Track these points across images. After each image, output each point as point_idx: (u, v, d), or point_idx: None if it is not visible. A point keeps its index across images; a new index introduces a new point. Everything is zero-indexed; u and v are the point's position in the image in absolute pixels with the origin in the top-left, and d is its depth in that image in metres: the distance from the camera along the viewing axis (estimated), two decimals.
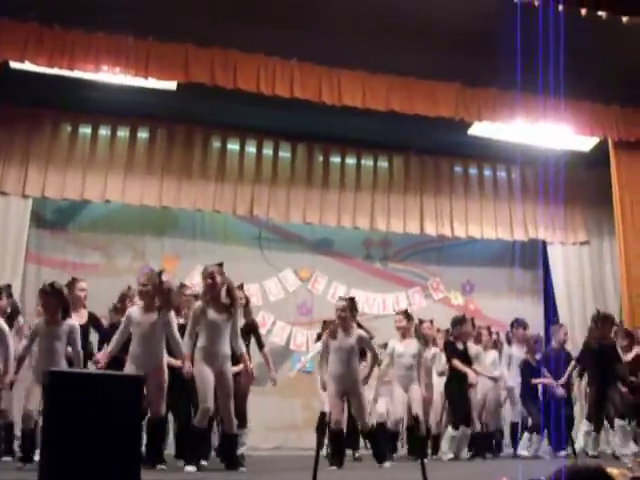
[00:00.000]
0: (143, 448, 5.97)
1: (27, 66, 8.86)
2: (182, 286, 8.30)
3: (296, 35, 8.80)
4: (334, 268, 12.18)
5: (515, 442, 9.59)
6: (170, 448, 7.88)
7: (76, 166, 10.61)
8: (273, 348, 11.47)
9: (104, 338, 7.57)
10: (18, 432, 7.16)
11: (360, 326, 7.63)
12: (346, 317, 7.25)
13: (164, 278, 6.78)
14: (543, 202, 11.95)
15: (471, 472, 7.13)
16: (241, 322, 7.12)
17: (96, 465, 4.30)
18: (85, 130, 10.82)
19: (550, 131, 10.50)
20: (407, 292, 12.46)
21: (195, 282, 11.34)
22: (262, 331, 11.20)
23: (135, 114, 10.76)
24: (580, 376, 9.84)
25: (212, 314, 6.48)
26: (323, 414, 8.25)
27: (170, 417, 7.55)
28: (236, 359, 6.79)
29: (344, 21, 8.70)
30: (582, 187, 12.29)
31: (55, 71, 8.94)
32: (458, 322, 8.97)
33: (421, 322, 9.25)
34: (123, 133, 10.93)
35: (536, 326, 12.34)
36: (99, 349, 7.58)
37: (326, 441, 7.97)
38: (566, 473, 2.03)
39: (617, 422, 8.65)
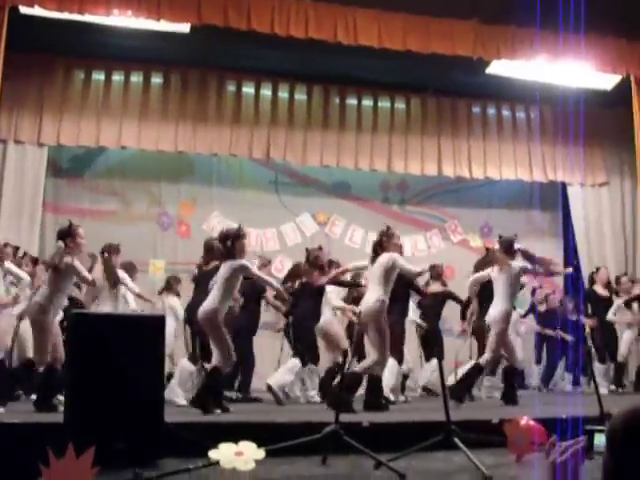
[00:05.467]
0: None
1: (37, 11, 8.73)
2: None
3: None
4: (351, 211, 12.14)
5: None
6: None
7: (90, 113, 10.56)
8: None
9: None
10: None
11: None
12: None
13: None
14: (562, 143, 11.78)
15: None
16: None
17: (120, 403, 4.34)
18: (98, 76, 10.74)
19: (570, 69, 10.25)
20: (425, 235, 12.42)
21: (212, 228, 11.41)
22: (280, 276, 11.31)
23: (148, 59, 10.66)
24: None
25: None
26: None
27: None
28: None
29: None
30: (602, 127, 12.07)
31: (65, 16, 8.80)
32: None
33: None
34: (137, 78, 10.85)
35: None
36: None
37: None
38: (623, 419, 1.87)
39: None
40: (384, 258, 7.01)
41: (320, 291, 8.14)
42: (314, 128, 11.38)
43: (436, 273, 9.33)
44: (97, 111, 10.58)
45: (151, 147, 10.76)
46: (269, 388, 7.76)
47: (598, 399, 5.25)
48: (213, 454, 3.89)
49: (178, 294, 9.43)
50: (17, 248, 8.58)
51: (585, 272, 11.36)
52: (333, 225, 12.08)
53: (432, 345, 8.90)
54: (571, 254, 12.20)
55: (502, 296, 7.47)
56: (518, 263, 7.54)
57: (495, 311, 7.46)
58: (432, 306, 9.18)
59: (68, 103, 10.51)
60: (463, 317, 9.15)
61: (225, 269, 6.62)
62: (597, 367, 9.41)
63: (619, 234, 12.11)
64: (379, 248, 7.15)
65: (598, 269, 10.46)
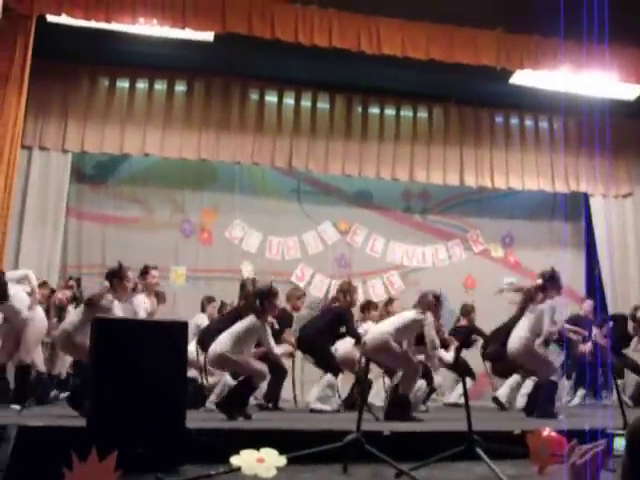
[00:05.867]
0: None
1: (64, 19, 8.86)
2: None
3: None
4: (373, 220, 12.12)
5: None
6: None
7: (114, 120, 10.64)
8: (313, 301, 11.53)
9: None
10: None
11: None
12: None
13: None
14: (586, 153, 11.71)
15: None
16: None
17: (142, 408, 4.36)
18: (123, 84, 10.82)
19: (594, 79, 10.23)
20: (446, 244, 12.37)
21: (233, 236, 11.45)
22: (301, 284, 11.34)
23: (173, 67, 10.73)
24: None
25: None
26: None
27: None
28: None
29: None
30: (626, 138, 11.99)
31: (92, 24, 8.91)
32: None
33: None
34: (161, 86, 10.92)
35: (578, 279, 12.28)
36: None
37: None
38: None
39: None
40: (414, 315, 7.10)
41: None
42: (336, 137, 11.38)
43: (465, 311, 9.97)
44: (121, 118, 10.66)
45: (174, 155, 10.81)
46: (312, 410, 7.92)
47: (622, 410, 5.21)
48: (234, 460, 3.89)
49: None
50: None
51: (608, 285, 11.29)
52: (354, 234, 12.07)
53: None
54: (593, 265, 12.13)
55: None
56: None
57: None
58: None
59: (92, 110, 10.59)
60: (485, 348, 9.26)
61: (248, 322, 6.89)
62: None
63: None
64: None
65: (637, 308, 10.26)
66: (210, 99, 10.98)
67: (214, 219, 11.55)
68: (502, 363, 8.67)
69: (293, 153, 11.14)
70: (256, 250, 11.56)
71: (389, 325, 7.17)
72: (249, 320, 6.87)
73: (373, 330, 7.39)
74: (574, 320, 9.95)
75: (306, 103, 11.40)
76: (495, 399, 9.20)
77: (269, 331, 6.96)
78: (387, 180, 11.65)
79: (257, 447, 3.93)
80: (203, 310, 9.66)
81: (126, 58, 10.39)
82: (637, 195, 12.24)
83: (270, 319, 7.29)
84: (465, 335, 9.41)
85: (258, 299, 6.88)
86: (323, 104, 11.47)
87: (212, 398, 7.45)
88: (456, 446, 4.48)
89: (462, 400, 9.19)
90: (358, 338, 8.02)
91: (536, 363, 7.56)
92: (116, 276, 6.70)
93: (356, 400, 7.55)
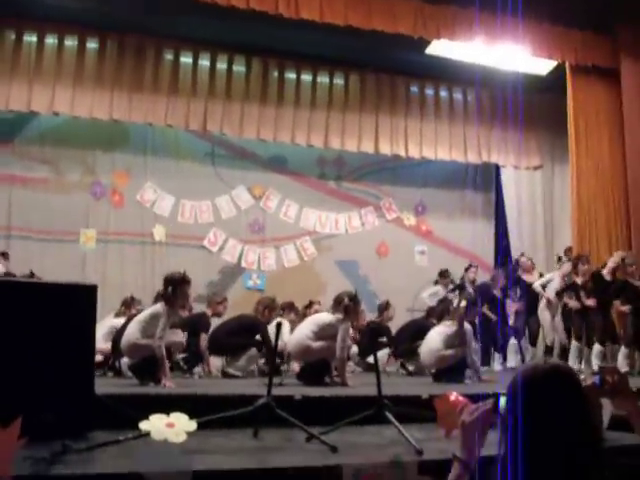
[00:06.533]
0: None
1: None
2: None
3: None
4: (287, 186, 12.10)
5: None
6: None
7: (22, 76, 10.19)
8: (225, 266, 11.48)
9: None
10: None
11: None
12: None
13: None
14: (498, 125, 11.93)
15: None
16: None
17: (48, 374, 4.25)
18: (30, 38, 10.35)
19: (508, 52, 10.40)
20: (360, 212, 12.48)
21: (145, 199, 11.24)
22: (214, 249, 11.27)
23: (84, 22, 10.33)
24: None
25: None
26: None
27: None
28: None
29: None
30: (538, 111, 12.27)
31: None
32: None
33: None
34: (71, 42, 10.49)
35: (488, 249, 12.59)
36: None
37: None
38: (521, 374, 2.06)
39: None
40: (331, 319, 7.17)
41: None
42: (252, 101, 11.24)
43: (381, 308, 10.19)
44: (29, 75, 10.20)
45: (85, 114, 10.45)
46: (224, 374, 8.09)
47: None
48: (144, 425, 3.83)
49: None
50: None
51: (515, 253, 11.60)
52: (268, 199, 12.03)
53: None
54: (502, 235, 12.45)
55: None
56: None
57: None
58: None
59: None
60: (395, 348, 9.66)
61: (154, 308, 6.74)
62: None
63: (549, 216, 12.36)
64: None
65: (522, 255, 10.77)
66: (123, 58, 10.64)
67: (126, 181, 11.31)
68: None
69: (208, 116, 10.94)
70: (169, 214, 11.41)
71: (306, 328, 7.16)
72: (157, 306, 6.66)
73: (293, 336, 7.37)
74: (483, 288, 10.23)
75: (222, 65, 11.19)
76: (402, 365, 9.40)
77: (166, 320, 6.49)
78: (302, 146, 11.61)
79: (168, 412, 3.89)
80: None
81: (35, 11, 9.95)
82: (546, 167, 12.58)
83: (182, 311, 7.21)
84: (371, 337, 9.55)
85: (170, 286, 6.62)
86: (239, 67, 11.29)
87: (125, 360, 7.33)
88: (366, 410, 4.53)
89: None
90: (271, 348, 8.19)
91: (451, 362, 7.72)
92: (176, 286, 6.65)
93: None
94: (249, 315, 8.71)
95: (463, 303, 8.01)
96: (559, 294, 9.68)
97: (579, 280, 9.39)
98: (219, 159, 11.87)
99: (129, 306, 8.71)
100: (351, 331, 8.19)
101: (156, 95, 10.74)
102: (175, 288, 6.63)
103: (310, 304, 9.87)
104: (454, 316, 7.90)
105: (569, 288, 9.51)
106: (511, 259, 11.34)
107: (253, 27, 10.02)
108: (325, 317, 7.25)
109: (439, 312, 8.68)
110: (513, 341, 10.10)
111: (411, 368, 9.27)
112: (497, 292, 10.25)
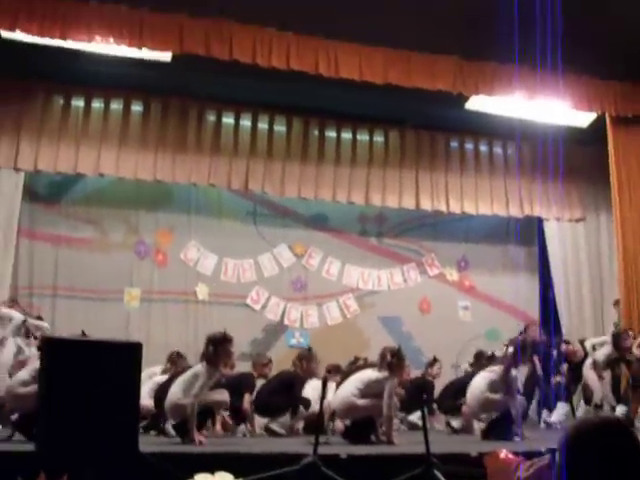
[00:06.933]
0: None
1: (19, 36, 8.71)
2: None
3: (293, 5, 8.64)
4: (329, 244, 12.11)
5: None
6: None
7: (69, 139, 10.45)
8: (268, 324, 11.47)
9: None
10: None
11: None
12: None
13: None
14: (539, 178, 11.86)
15: None
16: None
17: (93, 431, 4.25)
18: (78, 102, 10.65)
19: (548, 106, 10.41)
20: (402, 268, 12.41)
21: (189, 257, 11.34)
22: (257, 307, 11.30)
23: (129, 86, 10.62)
24: None
25: None
26: None
27: None
28: None
29: None
30: (579, 163, 12.18)
31: (47, 41, 8.78)
32: None
33: None
34: (117, 106, 10.76)
35: (531, 303, 12.41)
36: None
37: None
38: (573, 428, 2.01)
39: None
40: (376, 375, 7.15)
41: None
42: (293, 160, 11.36)
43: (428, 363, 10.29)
44: (76, 138, 10.47)
45: (129, 175, 10.67)
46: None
47: None
48: None
49: None
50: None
51: (562, 308, 11.43)
52: (310, 257, 12.04)
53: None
54: (547, 289, 12.28)
55: None
56: None
57: None
58: None
59: (46, 129, 10.39)
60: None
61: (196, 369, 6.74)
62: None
63: (595, 268, 12.19)
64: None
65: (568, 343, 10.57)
66: (166, 119, 10.87)
67: (169, 240, 11.43)
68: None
69: (249, 175, 11.07)
70: (211, 272, 11.46)
71: (352, 385, 7.08)
72: (198, 367, 6.66)
73: (338, 394, 7.27)
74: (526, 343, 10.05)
75: (263, 125, 11.35)
76: (447, 422, 9.25)
77: (206, 380, 6.49)
78: (343, 203, 11.65)
79: (212, 471, 3.86)
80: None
81: (82, 76, 10.24)
82: (590, 219, 12.45)
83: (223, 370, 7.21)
84: (414, 393, 9.37)
85: (211, 345, 6.63)
86: (280, 126, 11.44)
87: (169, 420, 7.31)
88: (414, 469, 4.44)
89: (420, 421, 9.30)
90: (305, 404, 8.27)
91: (496, 408, 7.55)
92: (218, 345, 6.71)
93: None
94: (288, 371, 8.70)
95: (511, 349, 7.86)
96: (611, 363, 9.51)
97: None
98: (261, 217, 11.95)
99: (174, 362, 8.70)
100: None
101: (199, 155, 10.91)
102: (216, 347, 6.64)
103: (355, 360, 9.78)
104: (502, 360, 7.77)
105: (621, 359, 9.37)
106: (555, 313, 11.14)
107: (293, 87, 10.18)
108: (371, 374, 7.15)
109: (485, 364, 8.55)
110: (562, 398, 9.87)
111: (456, 425, 9.10)
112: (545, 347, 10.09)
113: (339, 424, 7.77)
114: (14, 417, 6.52)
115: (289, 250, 11.98)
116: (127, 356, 4.61)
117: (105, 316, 10.50)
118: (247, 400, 8.24)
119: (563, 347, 10.20)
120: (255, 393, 8.45)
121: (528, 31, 7.82)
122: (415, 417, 9.67)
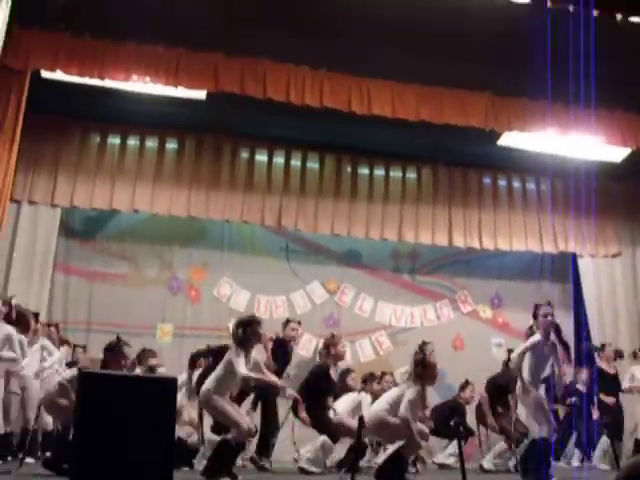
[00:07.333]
0: None
1: (58, 75, 8.91)
2: None
3: (326, 44, 8.76)
4: (362, 280, 12.09)
5: None
6: None
7: (105, 176, 10.64)
8: (301, 360, 11.42)
9: None
10: None
11: None
12: None
13: None
14: (573, 214, 11.78)
15: None
16: None
17: (128, 466, 4.25)
18: (114, 140, 10.86)
19: (581, 141, 10.36)
20: (435, 305, 12.34)
21: (222, 294, 11.39)
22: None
23: (164, 124, 10.80)
24: None
25: None
26: None
27: None
28: None
29: (374, 30, 8.64)
30: (613, 199, 12.12)
31: (85, 80, 8.97)
32: None
33: None
34: (152, 143, 10.96)
35: (566, 340, 12.20)
36: None
37: None
38: (627, 469, 1.97)
39: None
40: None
41: None
42: (326, 196, 11.43)
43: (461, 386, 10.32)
44: (111, 174, 10.67)
45: (164, 211, 10.80)
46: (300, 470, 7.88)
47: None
48: None
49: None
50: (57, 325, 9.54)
51: (598, 344, 11.26)
52: (343, 294, 12.03)
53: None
54: (583, 326, 12.12)
55: None
56: None
57: None
58: None
59: (83, 166, 10.60)
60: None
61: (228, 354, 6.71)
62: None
63: (631, 306, 12.02)
64: None
65: (603, 346, 10.46)
66: (200, 157, 11.02)
67: (202, 277, 11.50)
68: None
69: (282, 212, 11.15)
70: (244, 308, 11.45)
71: (384, 402, 7.05)
72: (229, 351, 6.64)
73: (370, 410, 7.23)
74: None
75: (296, 162, 11.46)
76: (481, 467, 9.14)
77: (241, 356, 6.55)
78: (376, 240, 11.66)
79: None
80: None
81: (118, 115, 10.44)
82: (626, 254, 12.31)
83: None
84: (447, 416, 9.38)
85: (240, 328, 6.65)
86: (313, 163, 11.54)
87: (198, 459, 7.30)
88: None
89: (450, 460, 9.19)
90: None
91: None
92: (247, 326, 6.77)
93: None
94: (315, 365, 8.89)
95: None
96: None
97: None
98: (294, 254, 11.98)
99: None
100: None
101: (232, 192, 11.01)
102: (245, 329, 6.66)
103: (382, 375, 9.61)
104: None
105: None
106: (590, 348, 10.99)
107: (326, 124, 10.27)
108: (400, 387, 7.21)
109: None
110: (605, 438, 9.69)
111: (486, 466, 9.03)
112: (581, 386, 9.97)
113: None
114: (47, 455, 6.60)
115: (322, 287, 11.98)
116: (162, 391, 4.61)
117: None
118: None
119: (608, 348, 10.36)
120: None
121: (560, 66, 7.85)
122: (442, 457, 9.59)
